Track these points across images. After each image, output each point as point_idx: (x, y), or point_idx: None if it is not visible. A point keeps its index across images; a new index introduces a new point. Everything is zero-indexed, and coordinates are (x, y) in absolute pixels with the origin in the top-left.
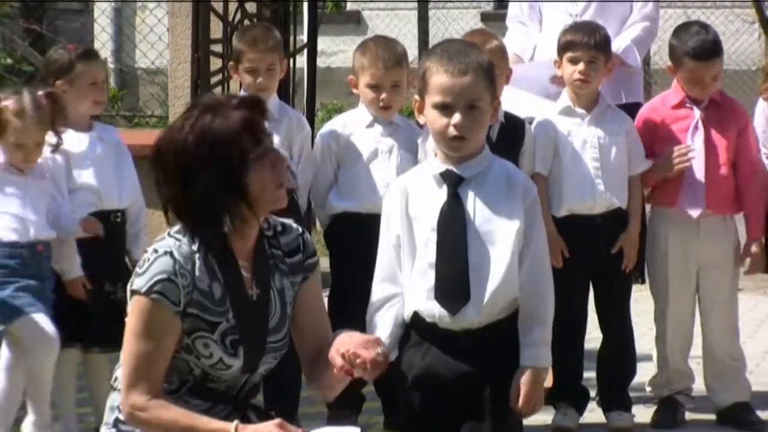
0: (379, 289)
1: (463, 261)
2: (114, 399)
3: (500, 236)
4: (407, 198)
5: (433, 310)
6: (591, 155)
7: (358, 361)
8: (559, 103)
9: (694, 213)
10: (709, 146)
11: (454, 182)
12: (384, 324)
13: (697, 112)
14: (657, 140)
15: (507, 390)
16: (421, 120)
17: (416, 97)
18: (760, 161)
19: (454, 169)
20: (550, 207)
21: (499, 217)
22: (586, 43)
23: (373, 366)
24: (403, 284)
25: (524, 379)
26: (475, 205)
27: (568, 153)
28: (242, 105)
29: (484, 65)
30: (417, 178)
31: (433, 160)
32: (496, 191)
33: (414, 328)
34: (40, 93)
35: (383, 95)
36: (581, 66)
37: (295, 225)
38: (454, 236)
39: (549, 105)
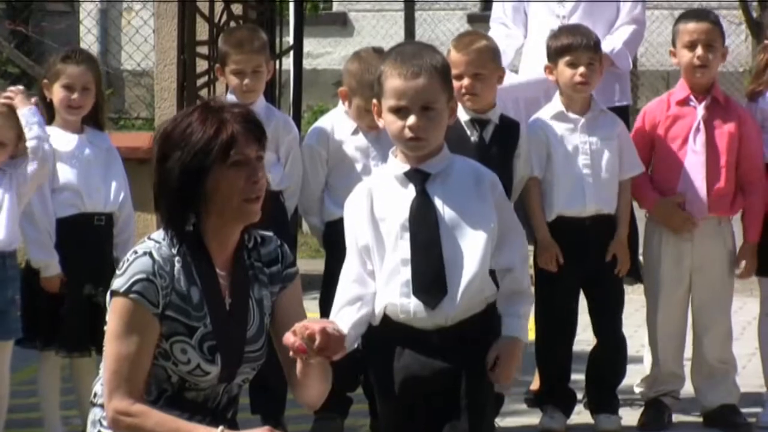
0: (345, 290)
1: (438, 255)
2: (95, 413)
3: (472, 230)
4: (372, 200)
5: (408, 306)
6: (582, 161)
7: (307, 332)
8: (551, 108)
9: (698, 216)
10: (711, 148)
11: (420, 179)
12: (346, 320)
13: (699, 112)
14: (659, 138)
15: (481, 384)
16: (381, 123)
17: (374, 101)
18: (762, 164)
19: (418, 167)
20: None
21: (470, 211)
22: (586, 45)
23: (322, 336)
24: (373, 285)
25: (504, 348)
26: (443, 201)
27: (559, 158)
28: (236, 115)
29: (438, 67)
30: (379, 180)
31: (393, 161)
32: (462, 187)
33: (384, 330)
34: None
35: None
36: (582, 69)
37: (273, 236)
38: (428, 231)
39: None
